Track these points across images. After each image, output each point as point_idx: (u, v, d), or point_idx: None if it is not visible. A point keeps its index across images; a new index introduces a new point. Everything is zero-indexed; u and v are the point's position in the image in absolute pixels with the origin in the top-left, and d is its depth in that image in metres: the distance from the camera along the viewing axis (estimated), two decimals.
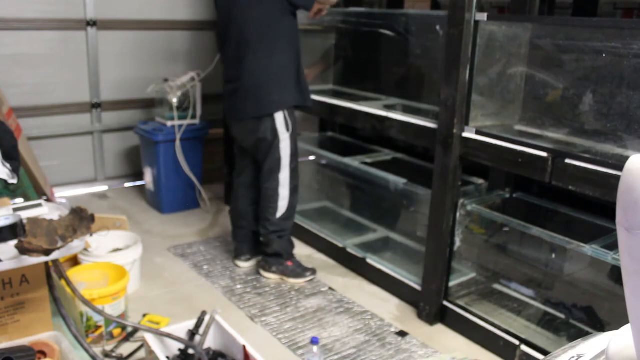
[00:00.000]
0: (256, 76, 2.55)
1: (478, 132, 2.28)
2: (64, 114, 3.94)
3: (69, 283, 1.83)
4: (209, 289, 2.81)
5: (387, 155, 3.36)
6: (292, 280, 2.84)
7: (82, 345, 1.69)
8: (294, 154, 2.70)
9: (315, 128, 3.95)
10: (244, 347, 1.97)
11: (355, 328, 2.52)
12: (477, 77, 2.29)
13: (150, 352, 1.95)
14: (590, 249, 2.07)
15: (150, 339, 1.98)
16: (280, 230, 2.81)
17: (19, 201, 1.82)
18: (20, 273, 1.62)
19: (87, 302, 1.89)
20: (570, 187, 1.96)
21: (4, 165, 1.66)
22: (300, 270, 2.86)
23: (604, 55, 2.02)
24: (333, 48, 3.50)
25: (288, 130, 2.64)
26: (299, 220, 3.40)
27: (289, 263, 2.86)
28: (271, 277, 2.87)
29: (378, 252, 3.02)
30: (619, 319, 2.11)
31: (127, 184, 4.30)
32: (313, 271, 2.88)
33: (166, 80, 3.72)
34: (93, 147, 4.13)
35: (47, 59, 3.79)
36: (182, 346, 2.08)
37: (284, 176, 2.70)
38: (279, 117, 2.61)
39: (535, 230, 2.29)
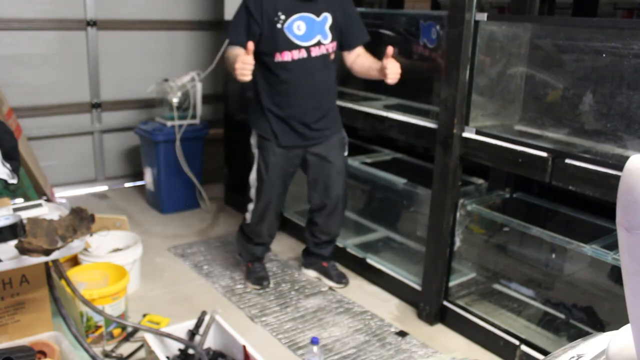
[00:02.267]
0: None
1: (478, 132, 2.28)
2: (64, 114, 3.94)
3: (69, 283, 1.83)
4: (209, 289, 2.81)
5: (387, 155, 3.36)
6: (245, 280, 2.90)
7: (82, 345, 1.69)
8: (260, 179, 2.64)
9: None
10: (244, 347, 1.97)
11: (355, 328, 2.52)
12: (477, 77, 2.29)
13: (150, 352, 1.95)
14: (590, 249, 2.07)
15: (150, 339, 1.98)
16: (243, 234, 2.83)
17: (19, 201, 1.82)
18: (20, 273, 1.62)
19: (87, 302, 1.89)
20: (570, 187, 1.96)
21: (4, 165, 1.66)
22: (250, 277, 2.86)
23: (604, 55, 2.02)
24: None
25: (256, 148, 2.64)
26: (299, 220, 3.40)
27: (249, 265, 2.89)
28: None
29: (378, 252, 3.02)
30: (619, 319, 2.10)
31: (127, 184, 4.30)
32: (262, 285, 2.83)
33: (166, 80, 3.72)
34: (93, 147, 4.13)
35: (47, 59, 3.79)
36: (182, 346, 2.08)
37: (252, 192, 2.69)
38: (253, 136, 2.67)
39: (535, 230, 2.29)
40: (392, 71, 2.38)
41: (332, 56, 2.57)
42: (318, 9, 2.46)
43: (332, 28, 2.50)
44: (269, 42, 2.43)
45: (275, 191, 2.66)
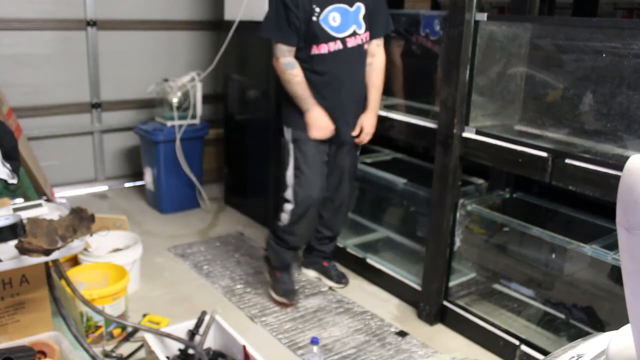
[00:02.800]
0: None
1: (478, 132, 2.28)
2: (64, 114, 3.94)
3: (69, 283, 1.83)
4: (209, 289, 2.81)
5: (387, 155, 3.36)
6: (269, 289, 2.74)
7: (82, 345, 1.69)
8: (299, 175, 2.52)
9: None
10: (244, 347, 1.97)
11: (355, 328, 2.52)
12: (477, 77, 2.29)
13: (150, 352, 1.95)
14: (590, 249, 2.07)
15: (150, 339, 1.98)
16: (277, 238, 2.65)
17: (19, 201, 1.82)
18: (20, 273, 1.62)
19: (87, 302, 1.89)
20: (570, 187, 1.96)
21: (4, 165, 1.66)
22: (277, 288, 2.69)
23: (604, 55, 2.02)
24: None
25: (292, 142, 2.54)
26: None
27: (277, 274, 2.70)
28: (266, 275, 2.80)
29: (378, 252, 3.02)
30: (619, 319, 2.10)
31: (127, 184, 4.30)
32: (290, 298, 2.66)
33: (166, 80, 3.72)
34: (93, 147, 4.13)
35: (47, 59, 3.79)
36: (182, 346, 2.08)
37: (289, 191, 2.56)
38: (287, 132, 2.58)
39: (535, 230, 2.29)
40: (367, 130, 2.59)
41: (366, 46, 2.54)
42: (351, 0, 2.43)
43: (365, 18, 2.47)
44: (305, 35, 2.40)
45: (317, 184, 2.55)
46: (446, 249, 2.49)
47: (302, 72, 2.43)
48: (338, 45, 2.44)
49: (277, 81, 3.23)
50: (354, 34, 2.46)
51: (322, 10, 2.38)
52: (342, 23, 2.42)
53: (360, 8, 2.46)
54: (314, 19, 2.38)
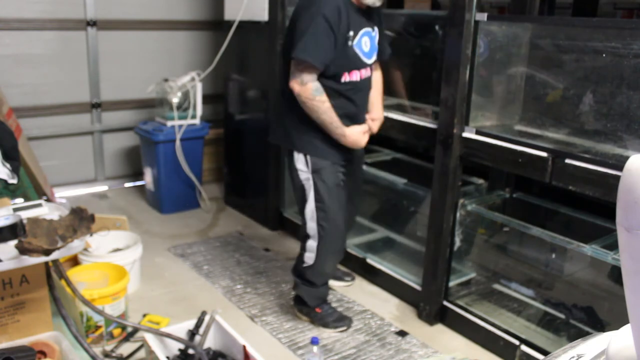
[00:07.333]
0: None
1: (478, 132, 2.28)
2: (64, 114, 3.94)
3: (69, 283, 1.83)
4: (209, 289, 2.81)
5: (387, 155, 3.36)
6: (321, 328, 2.52)
7: (82, 345, 1.69)
8: (321, 208, 2.32)
9: None
10: (244, 347, 1.97)
11: (355, 328, 2.51)
12: (477, 77, 2.29)
13: (150, 352, 1.95)
14: (590, 249, 2.07)
15: (150, 339, 1.98)
16: (305, 281, 2.46)
17: (19, 201, 1.82)
18: (20, 273, 1.62)
19: (87, 302, 1.89)
20: (570, 187, 1.96)
21: (4, 165, 1.66)
22: (329, 320, 2.50)
23: (604, 55, 2.02)
24: None
25: (310, 173, 2.31)
26: (299, 219, 3.40)
27: (317, 310, 2.52)
28: (302, 318, 2.58)
29: (378, 252, 3.02)
30: (619, 319, 2.10)
31: (127, 184, 4.30)
32: (346, 323, 2.51)
33: (166, 80, 3.72)
34: (93, 147, 4.13)
35: (47, 59, 3.79)
36: (182, 346, 2.08)
37: (311, 226, 2.36)
38: (299, 160, 2.34)
39: (535, 230, 2.29)
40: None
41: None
42: (372, 23, 2.28)
43: (378, 42, 2.35)
44: (337, 62, 2.17)
45: (342, 213, 2.37)
46: (446, 249, 2.49)
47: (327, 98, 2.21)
48: (367, 72, 2.30)
49: (277, 83, 3.24)
50: (375, 59, 2.35)
51: (355, 34, 2.19)
52: (371, 48, 2.28)
53: (377, 32, 2.32)
54: (350, 43, 2.18)
